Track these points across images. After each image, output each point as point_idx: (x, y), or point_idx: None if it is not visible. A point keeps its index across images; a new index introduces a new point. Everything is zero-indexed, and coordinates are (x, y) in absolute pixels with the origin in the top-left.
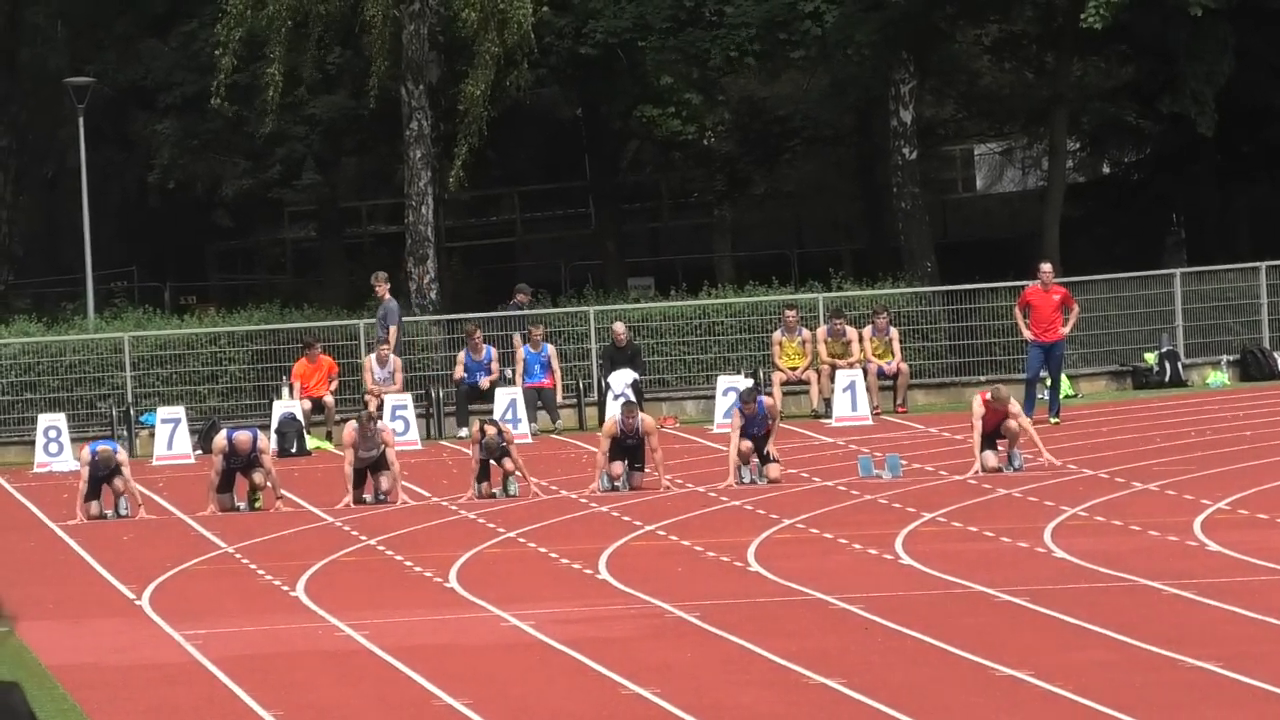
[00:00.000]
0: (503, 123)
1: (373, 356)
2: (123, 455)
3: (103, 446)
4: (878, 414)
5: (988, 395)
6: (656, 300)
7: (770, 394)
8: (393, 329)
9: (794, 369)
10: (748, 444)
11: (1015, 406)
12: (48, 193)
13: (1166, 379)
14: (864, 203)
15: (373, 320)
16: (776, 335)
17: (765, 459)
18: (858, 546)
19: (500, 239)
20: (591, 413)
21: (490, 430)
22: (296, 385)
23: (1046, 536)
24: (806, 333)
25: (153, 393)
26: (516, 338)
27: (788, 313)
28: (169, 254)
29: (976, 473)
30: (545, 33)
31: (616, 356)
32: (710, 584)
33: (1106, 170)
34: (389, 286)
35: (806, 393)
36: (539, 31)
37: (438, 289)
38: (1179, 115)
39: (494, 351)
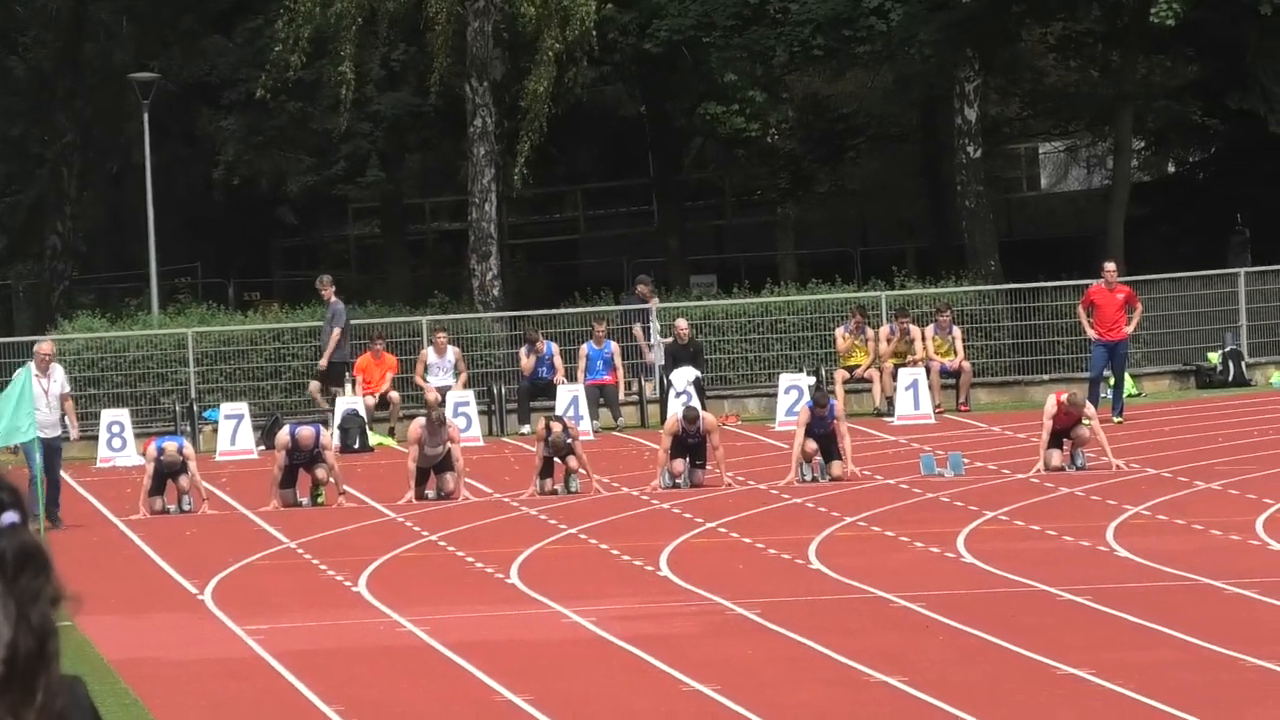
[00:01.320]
0: (566, 120)
1: (430, 348)
2: (189, 450)
3: (169, 443)
4: (940, 412)
5: (1064, 397)
6: (719, 298)
7: (834, 391)
8: (336, 331)
9: (856, 367)
10: (813, 444)
11: (1091, 410)
12: (112, 188)
13: (1230, 378)
14: (928, 201)
15: (436, 316)
16: (840, 331)
17: (830, 456)
18: (919, 545)
19: (563, 236)
20: (653, 410)
21: (556, 427)
22: (359, 379)
23: (1109, 535)
24: (869, 330)
25: (216, 388)
26: (636, 329)
27: (856, 315)
28: (233, 250)
29: (1039, 471)
30: (609, 29)
31: (679, 354)
32: (771, 581)
33: (1171, 169)
34: (334, 289)
35: (869, 391)
36: (602, 29)
37: (500, 286)
38: (1244, 114)
39: (555, 347)
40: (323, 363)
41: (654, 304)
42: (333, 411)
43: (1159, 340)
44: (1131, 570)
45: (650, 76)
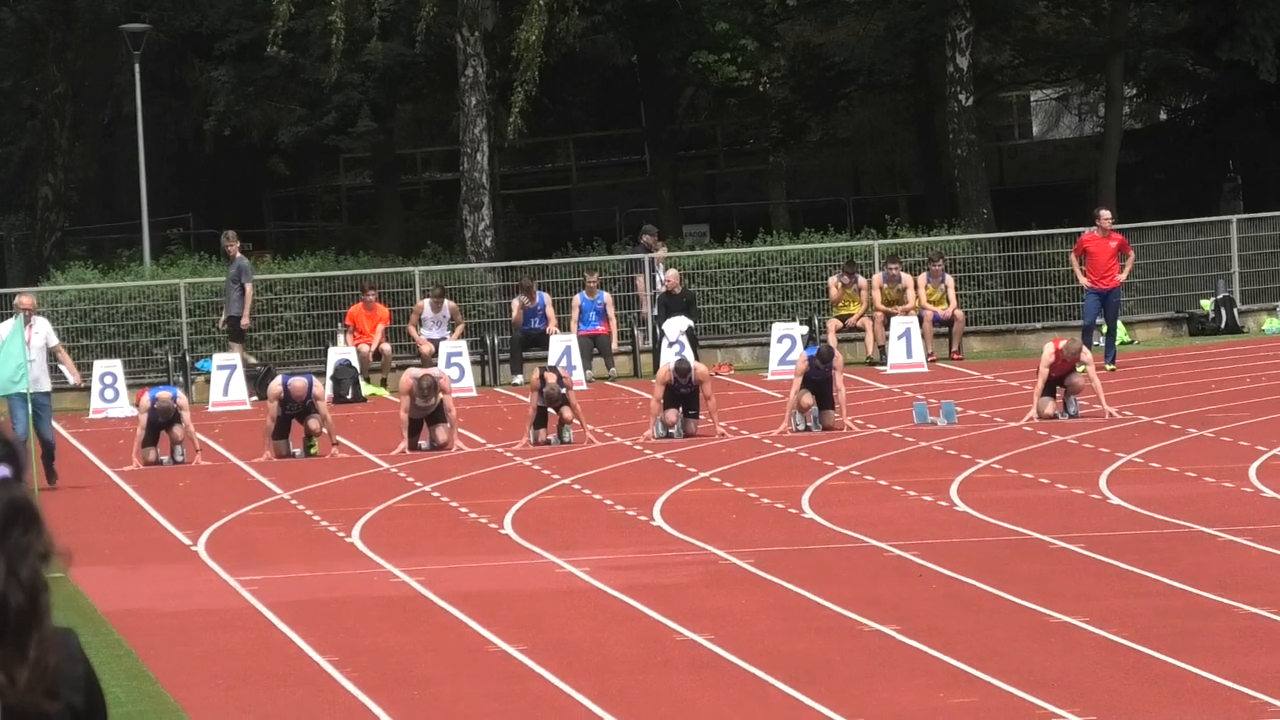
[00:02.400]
0: (558, 70)
1: (426, 301)
2: (183, 400)
3: (162, 393)
4: (933, 361)
5: (1061, 344)
6: (712, 248)
7: (825, 340)
8: (248, 287)
9: (849, 316)
10: (809, 397)
11: (1088, 355)
12: (104, 140)
13: (1222, 325)
14: (920, 149)
15: (428, 267)
16: (833, 280)
17: (825, 404)
18: (912, 493)
19: (555, 186)
20: (646, 359)
21: (550, 378)
22: (351, 329)
23: (1102, 483)
24: (862, 280)
25: (209, 339)
26: (639, 280)
27: (847, 268)
28: (225, 201)
29: (1032, 419)
30: None
31: (672, 304)
32: (764, 530)
33: (1163, 117)
34: (239, 245)
35: (862, 340)
36: None
37: (493, 236)
38: (1237, 62)
39: (548, 298)
40: (246, 320)
41: (661, 252)
42: (259, 365)
43: (1152, 288)
44: (1124, 518)
45: (641, 25)
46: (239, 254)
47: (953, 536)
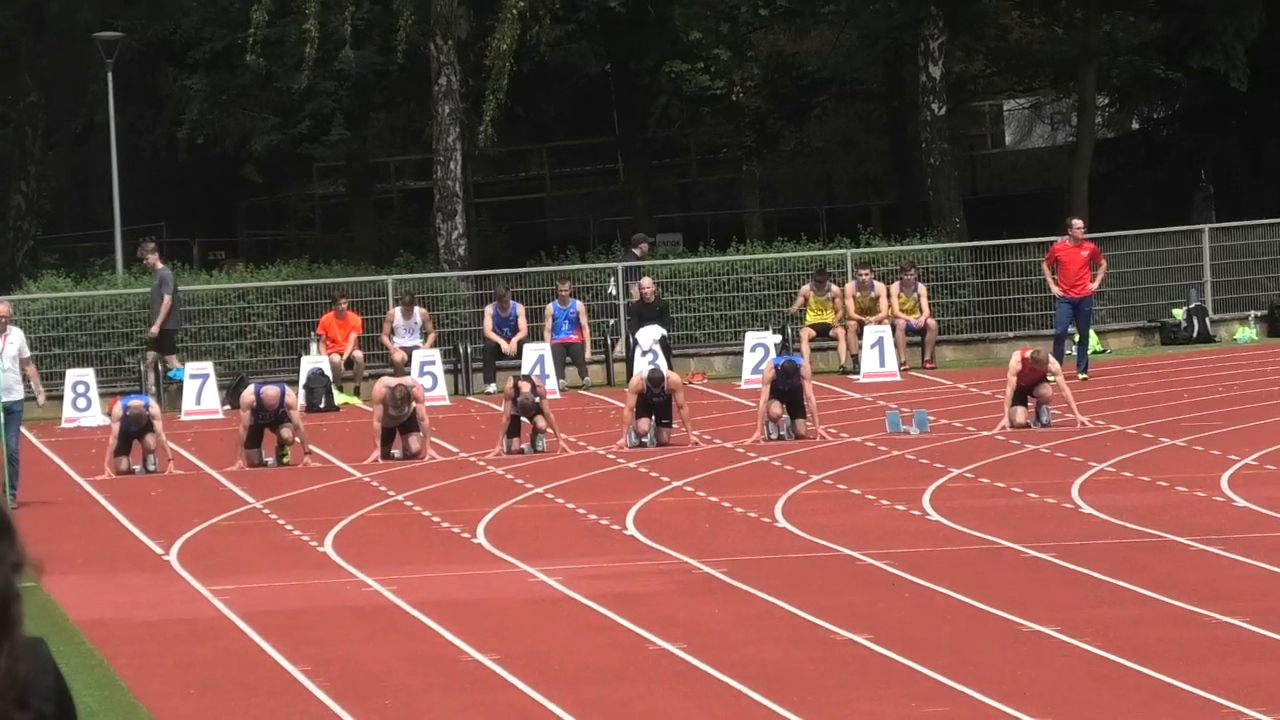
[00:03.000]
0: (531, 79)
1: (397, 309)
2: (155, 409)
3: (135, 401)
4: (905, 370)
5: (1028, 353)
6: (685, 256)
7: (799, 349)
8: (167, 298)
9: (829, 326)
10: (778, 407)
11: (1056, 366)
12: (77, 148)
13: (1195, 335)
14: (893, 158)
15: (401, 276)
16: (804, 289)
17: (796, 414)
18: (885, 502)
19: (529, 195)
20: (620, 369)
21: (525, 387)
22: (323, 337)
23: (1074, 492)
24: (835, 288)
25: (181, 347)
26: (634, 287)
27: (818, 276)
28: (198, 210)
29: (1004, 428)
30: None
31: (645, 312)
32: (737, 540)
33: (1135, 126)
34: (158, 255)
35: (834, 348)
36: None
37: (466, 245)
38: (1209, 70)
39: (521, 308)
40: (154, 329)
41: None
42: (165, 380)
43: (1124, 297)
44: (1097, 527)
45: (615, 34)
46: (158, 265)
47: (925, 545)
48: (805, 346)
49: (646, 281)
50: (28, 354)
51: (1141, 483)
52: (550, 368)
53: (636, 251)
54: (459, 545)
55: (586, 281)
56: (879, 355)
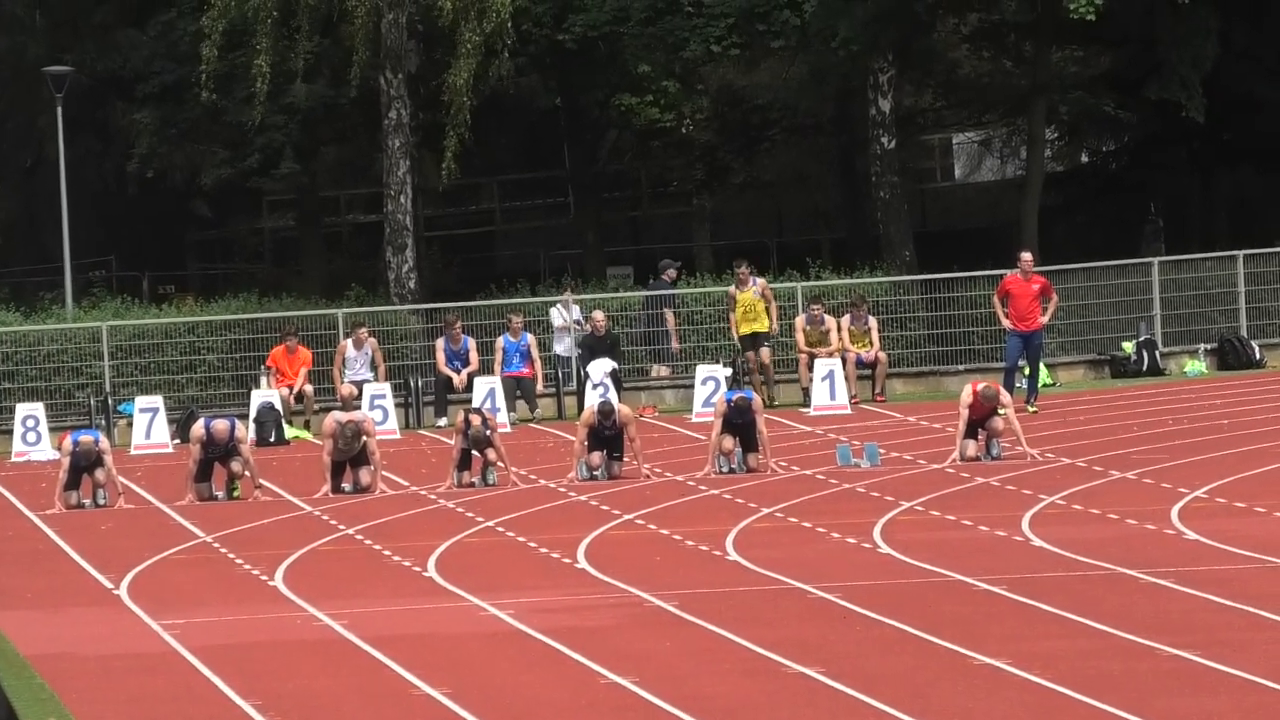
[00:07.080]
0: (482, 112)
1: (348, 341)
2: (105, 444)
3: (84, 436)
4: (856, 403)
5: (980, 387)
6: (636, 290)
7: (750, 382)
8: None
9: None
10: (729, 441)
11: (1007, 399)
12: (26, 182)
13: (1144, 368)
14: (843, 192)
15: (351, 309)
16: (731, 289)
17: (749, 447)
18: (836, 535)
19: (479, 228)
20: (570, 402)
21: (475, 420)
22: (273, 371)
23: (1024, 525)
24: (829, 320)
25: (131, 382)
26: (669, 315)
27: (740, 269)
28: (147, 243)
29: (955, 461)
30: (523, 21)
31: (596, 345)
32: (688, 573)
33: (1085, 159)
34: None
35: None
36: (517, 20)
37: (416, 278)
38: (1159, 104)
39: (472, 342)
40: None
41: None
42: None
43: (1074, 330)
44: (1047, 560)
45: (565, 68)
46: None
47: (876, 578)
48: (756, 379)
49: (598, 314)
50: None
51: (1092, 515)
52: (501, 401)
53: (665, 278)
54: (410, 579)
55: (537, 315)
56: (830, 388)
